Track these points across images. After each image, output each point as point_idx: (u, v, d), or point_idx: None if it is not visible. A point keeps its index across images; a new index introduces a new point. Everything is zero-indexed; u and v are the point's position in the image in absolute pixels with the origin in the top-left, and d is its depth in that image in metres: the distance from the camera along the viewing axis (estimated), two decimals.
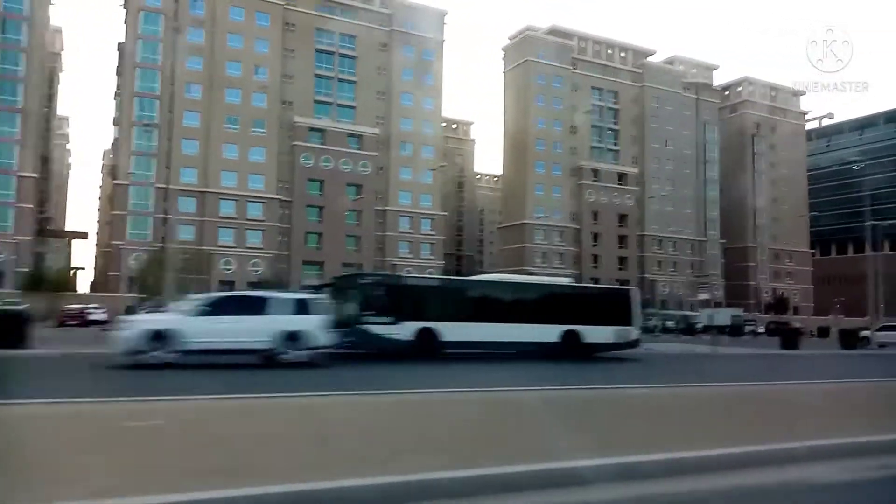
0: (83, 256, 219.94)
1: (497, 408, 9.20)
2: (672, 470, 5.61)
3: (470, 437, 6.78)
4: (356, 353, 19.92)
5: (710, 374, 17.99)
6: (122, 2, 74.06)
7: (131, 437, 6.23)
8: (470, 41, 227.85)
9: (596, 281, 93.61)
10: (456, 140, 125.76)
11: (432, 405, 9.26)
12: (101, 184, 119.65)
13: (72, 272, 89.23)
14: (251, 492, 4.33)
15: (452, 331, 20.79)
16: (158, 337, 14.36)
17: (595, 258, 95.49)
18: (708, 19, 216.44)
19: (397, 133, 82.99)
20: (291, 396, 9.79)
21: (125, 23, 73.33)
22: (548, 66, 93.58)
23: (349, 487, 4.62)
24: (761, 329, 66.60)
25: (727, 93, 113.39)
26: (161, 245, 68.04)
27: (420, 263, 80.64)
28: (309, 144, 77.46)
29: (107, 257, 76.27)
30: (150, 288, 47.60)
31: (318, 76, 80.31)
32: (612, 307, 24.97)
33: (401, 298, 21.22)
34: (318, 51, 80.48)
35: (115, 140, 77.55)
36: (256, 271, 72.13)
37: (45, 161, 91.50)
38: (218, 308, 15.68)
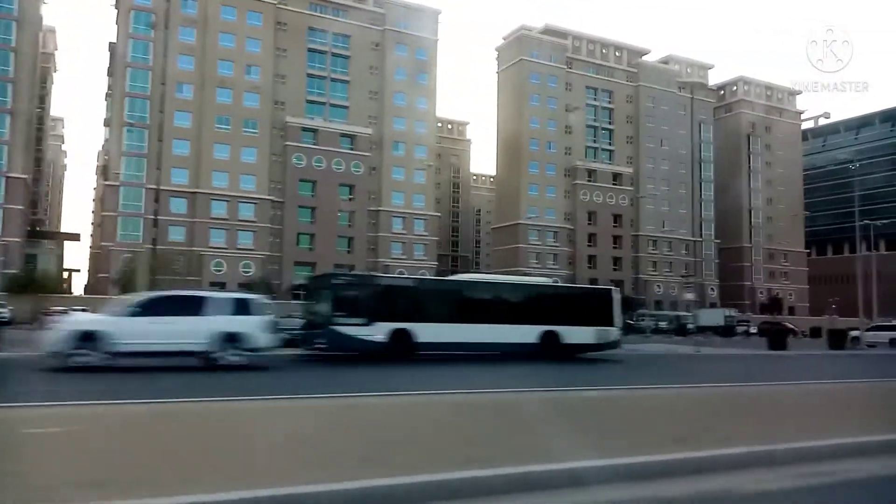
0: (79, 258, 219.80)
1: (422, 413, 8.85)
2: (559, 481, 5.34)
3: (370, 446, 6.36)
4: (327, 356, 19.66)
5: (681, 376, 17.68)
6: (114, 1, 73.82)
7: (26, 444, 5.93)
8: (465, 41, 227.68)
9: (593, 281, 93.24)
10: (451, 140, 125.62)
11: (359, 410, 8.89)
12: (95, 185, 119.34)
13: (67, 274, 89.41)
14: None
15: (427, 332, 20.50)
16: (86, 338, 13.77)
17: (590, 258, 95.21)
18: (703, 19, 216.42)
19: (390, 133, 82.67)
20: (210, 401, 9.30)
21: (116, 22, 73.09)
22: (542, 66, 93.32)
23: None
24: (754, 329, 66.33)
25: (722, 92, 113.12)
26: (152, 246, 67.85)
27: (413, 264, 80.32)
28: (301, 145, 77.14)
29: (98, 259, 75.92)
30: (134, 290, 47.11)
31: (310, 76, 79.99)
32: (592, 307, 24.69)
33: (374, 299, 20.92)
34: (311, 50, 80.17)
35: (106, 141, 77.23)
36: (248, 272, 71.79)
37: (37, 162, 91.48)
38: (151, 308, 15.01)
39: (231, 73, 74.01)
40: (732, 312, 74.84)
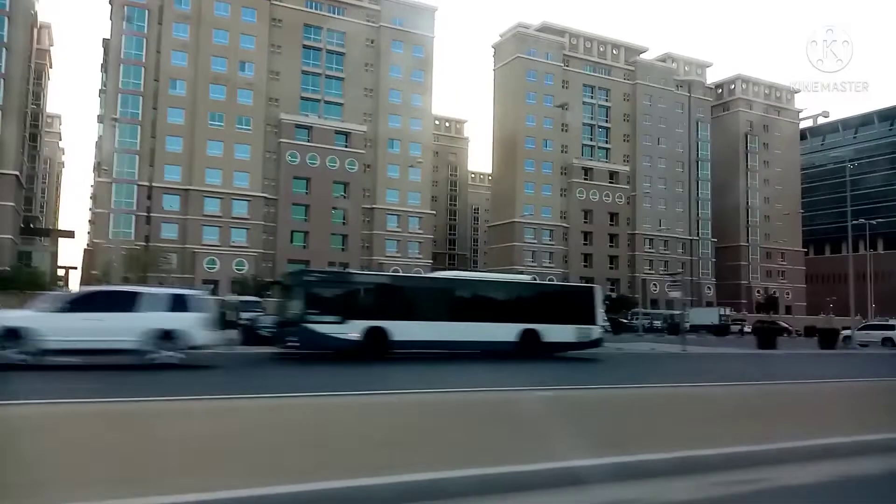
0: (77, 256, 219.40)
1: (349, 414, 8.53)
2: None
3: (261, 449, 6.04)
4: (300, 354, 19.37)
5: (657, 376, 17.38)
6: None
7: None
8: (464, 38, 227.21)
9: (588, 280, 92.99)
10: (449, 139, 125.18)
11: (279, 411, 8.48)
12: (91, 182, 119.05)
13: (65, 271, 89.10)
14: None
15: (404, 330, 20.13)
16: (11, 335, 13.23)
17: (585, 257, 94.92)
18: (701, 17, 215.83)
19: (385, 131, 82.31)
20: (116, 402, 8.80)
21: (110, 18, 72.80)
22: (538, 63, 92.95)
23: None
24: (749, 328, 66.02)
25: (720, 91, 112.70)
26: (144, 243, 67.74)
27: (408, 262, 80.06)
28: (295, 142, 76.83)
29: (90, 256, 75.71)
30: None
31: (305, 72, 79.64)
32: (573, 305, 24.34)
33: (349, 296, 20.62)
34: (306, 47, 79.82)
35: (100, 137, 76.97)
36: (241, 270, 71.57)
37: (32, 159, 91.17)
38: (82, 304, 14.52)
39: (225, 70, 73.71)
40: (727, 311, 74.71)
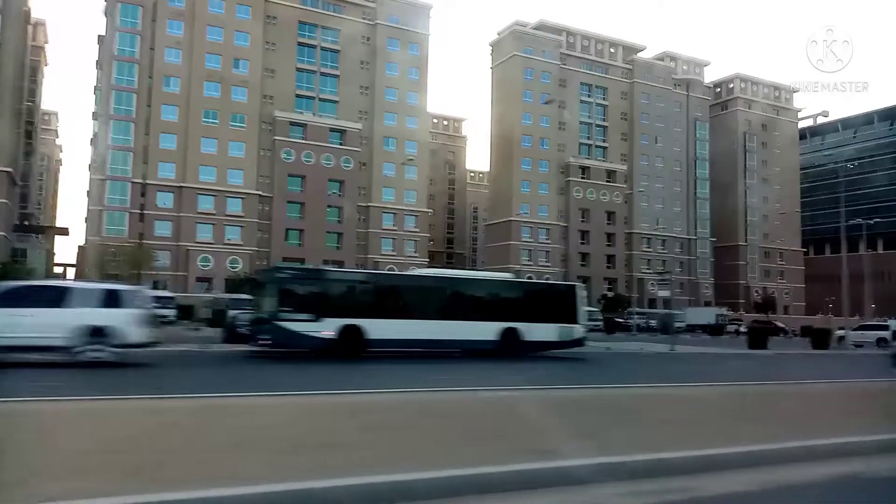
0: (74, 253, 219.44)
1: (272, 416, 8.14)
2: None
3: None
4: (274, 352, 19.04)
5: (624, 376, 17.01)
6: None
7: None
8: (463, 37, 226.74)
9: (585, 279, 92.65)
10: (447, 137, 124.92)
11: (194, 413, 8.00)
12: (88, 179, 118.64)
13: (63, 269, 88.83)
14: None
15: (380, 328, 19.79)
16: None
17: (582, 256, 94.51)
18: (700, 16, 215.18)
19: (381, 128, 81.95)
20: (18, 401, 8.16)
21: (105, 14, 72.49)
22: (536, 62, 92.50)
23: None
24: (745, 328, 65.63)
25: (719, 90, 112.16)
26: (137, 241, 67.36)
27: (404, 261, 79.63)
28: (290, 139, 76.47)
29: (85, 253, 75.44)
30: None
31: (299, 70, 79.30)
32: (555, 304, 24.01)
33: (323, 293, 20.25)
34: (301, 44, 79.47)
35: (94, 135, 76.66)
36: (235, 268, 71.25)
37: (27, 156, 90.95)
38: (8, 299, 13.89)
39: (219, 67, 73.37)
40: (724, 311, 74.37)
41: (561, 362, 20.76)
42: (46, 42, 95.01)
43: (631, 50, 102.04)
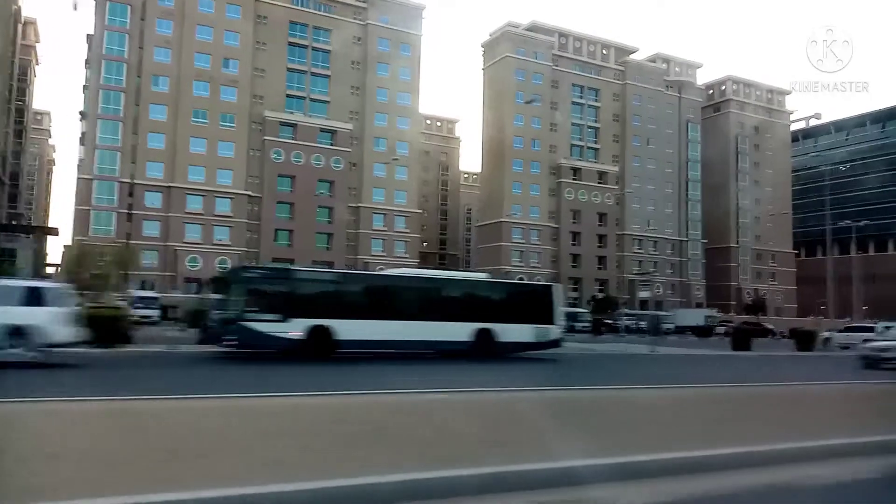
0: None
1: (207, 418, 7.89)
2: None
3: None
4: (238, 354, 18.76)
5: (593, 378, 16.79)
6: None
7: None
8: (454, 37, 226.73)
9: (576, 280, 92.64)
10: (440, 138, 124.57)
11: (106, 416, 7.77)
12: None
13: (55, 269, 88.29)
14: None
15: (350, 329, 19.53)
16: None
17: (574, 257, 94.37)
18: (692, 17, 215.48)
19: (371, 129, 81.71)
20: None
21: (94, 13, 72.13)
22: (527, 63, 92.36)
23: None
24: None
25: (711, 92, 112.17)
26: (125, 241, 66.95)
27: (394, 261, 79.25)
28: (280, 139, 76.19)
29: (69, 253, 74.95)
30: (88, 284, 46.06)
31: (290, 70, 79.02)
32: (530, 305, 23.80)
33: (291, 293, 19.99)
34: (291, 44, 79.20)
35: (83, 134, 76.24)
36: (224, 268, 70.76)
37: (17, 156, 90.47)
38: None
39: (208, 67, 73.09)
40: (713, 312, 74.32)
41: (533, 364, 20.52)
42: (37, 41, 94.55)
43: (623, 51, 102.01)
